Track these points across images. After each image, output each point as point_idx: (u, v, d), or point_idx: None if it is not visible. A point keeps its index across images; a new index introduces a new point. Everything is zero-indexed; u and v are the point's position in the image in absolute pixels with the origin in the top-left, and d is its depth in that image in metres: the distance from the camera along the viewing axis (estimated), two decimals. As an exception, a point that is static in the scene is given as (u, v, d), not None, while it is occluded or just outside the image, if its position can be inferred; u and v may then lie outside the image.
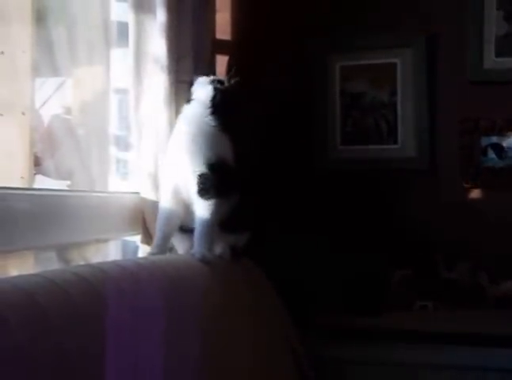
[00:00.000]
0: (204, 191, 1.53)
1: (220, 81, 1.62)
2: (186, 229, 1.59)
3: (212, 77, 1.64)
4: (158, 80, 1.68)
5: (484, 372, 1.78)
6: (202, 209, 1.53)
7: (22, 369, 0.81)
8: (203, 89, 1.61)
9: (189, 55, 1.77)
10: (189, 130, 1.57)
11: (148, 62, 1.70)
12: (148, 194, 1.67)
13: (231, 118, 1.61)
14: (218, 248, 1.60)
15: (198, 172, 1.53)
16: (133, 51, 1.69)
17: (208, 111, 1.58)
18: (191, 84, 1.64)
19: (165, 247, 1.58)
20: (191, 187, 1.54)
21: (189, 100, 1.62)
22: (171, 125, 1.66)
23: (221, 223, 1.58)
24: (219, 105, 1.58)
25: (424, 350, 1.82)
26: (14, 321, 0.83)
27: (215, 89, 1.60)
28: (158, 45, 1.68)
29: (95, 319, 0.98)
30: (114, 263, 1.18)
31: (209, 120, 1.58)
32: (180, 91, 1.71)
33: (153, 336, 1.11)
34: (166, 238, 1.58)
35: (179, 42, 1.72)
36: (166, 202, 1.58)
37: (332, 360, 1.87)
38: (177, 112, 1.67)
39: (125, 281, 1.11)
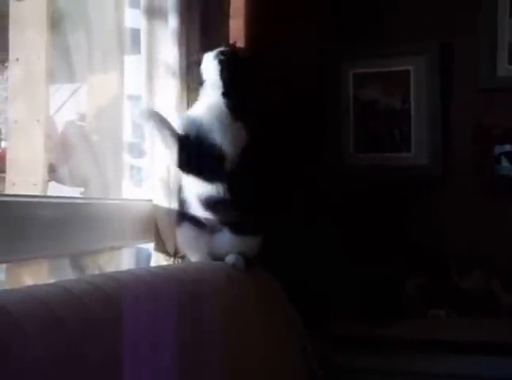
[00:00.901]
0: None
1: (224, 53, 1.60)
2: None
3: (215, 51, 1.61)
4: (169, 86, 1.66)
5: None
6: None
7: (40, 378, 0.79)
8: (210, 66, 1.59)
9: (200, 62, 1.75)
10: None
11: (160, 69, 1.68)
12: (161, 201, 1.65)
13: (243, 95, 1.59)
14: (231, 258, 1.57)
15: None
16: (145, 57, 1.67)
17: (220, 92, 1.56)
18: (199, 64, 1.62)
19: None
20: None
21: (201, 83, 1.60)
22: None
23: (232, 225, 1.57)
24: (228, 80, 1.56)
25: (437, 359, 1.79)
26: (31, 331, 0.81)
27: (221, 61, 1.57)
28: (169, 51, 1.66)
29: (111, 328, 0.97)
30: (128, 272, 1.16)
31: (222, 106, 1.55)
32: (192, 97, 1.69)
33: (169, 343, 1.09)
34: None
35: (190, 48, 1.70)
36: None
37: (345, 369, 1.84)
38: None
39: (140, 289, 1.09)
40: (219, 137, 1.53)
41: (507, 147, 2.00)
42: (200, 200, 1.56)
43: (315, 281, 2.01)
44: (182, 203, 1.60)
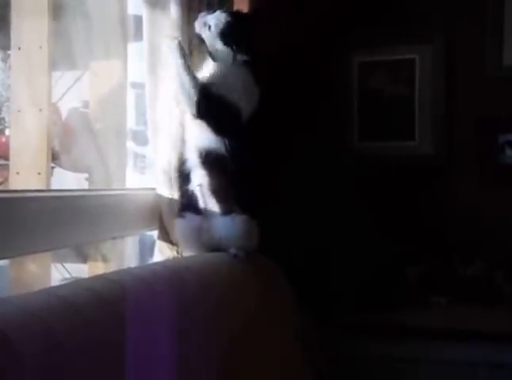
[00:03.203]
0: None
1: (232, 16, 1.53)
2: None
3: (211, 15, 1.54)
4: (171, 74, 1.61)
5: (498, 369, 1.72)
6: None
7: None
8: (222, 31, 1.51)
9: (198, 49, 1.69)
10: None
11: (162, 57, 1.62)
12: (163, 190, 1.61)
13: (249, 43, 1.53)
14: (232, 249, 1.52)
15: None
16: (147, 45, 1.61)
17: (240, 59, 1.51)
18: (202, 40, 1.56)
19: None
20: None
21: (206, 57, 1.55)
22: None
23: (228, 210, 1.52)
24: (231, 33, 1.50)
25: (438, 346, 1.76)
26: (22, 346, 0.75)
27: (234, 27, 1.51)
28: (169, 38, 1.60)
29: (113, 343, 0.90)
30: (129, 273, 1.10)
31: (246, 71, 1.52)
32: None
33: (171, 344, 1.04)
34: None
35: (192, 37, 1.64)
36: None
37: (346, 356, 1.82)
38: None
39: (140, 290, 1.03)
40: (241, 97, 1.50)
41: (511, 136, 1.95)
42: (200, 154, 1.51)
43: (316, 268, 1.98)
44: (183, 193, 1.56)
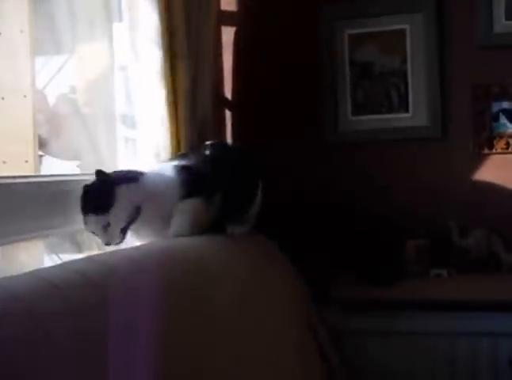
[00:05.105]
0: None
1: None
2: None
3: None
4: (152, 55, 1.55)
5: (499, 338, 1.69)
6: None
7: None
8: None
9: (181, 29, 1.63)
10: None
11: (142, 37, 1.57)
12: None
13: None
14: (229, 228, 1.51)
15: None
16: (128, 25, 1.55)
17: None
18: None
19: None
20: None
21: None
22: (168, 101, 1.55)
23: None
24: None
25: (439, 318, 1.74)
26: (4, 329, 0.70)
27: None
28: (150, 19, 1.54)
29: (100, 325, 0.85)
30: (118, 254, 1.05)
31: None
32: (176, 66, 1.59)
33: (157, 320, 0.99)
34: None
35: (172, 15, 1.58)
36: None
37: (348, 331, 1.79)
38: (174, 87, 1.56)
39: (131, 273, 0.99)
40: None
41: (505, 104, 1.90)
42: None
43: (315, 245, 1.95)
44: None
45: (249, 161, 1.62)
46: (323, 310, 1.78)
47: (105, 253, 1.10)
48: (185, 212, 1.40)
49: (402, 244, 1.89)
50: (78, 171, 1.62)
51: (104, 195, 1.27)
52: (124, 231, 1.28)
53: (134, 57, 1.56)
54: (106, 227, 1.26)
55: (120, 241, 1.28)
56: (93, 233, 1.29)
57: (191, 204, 1.41)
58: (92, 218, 1.26)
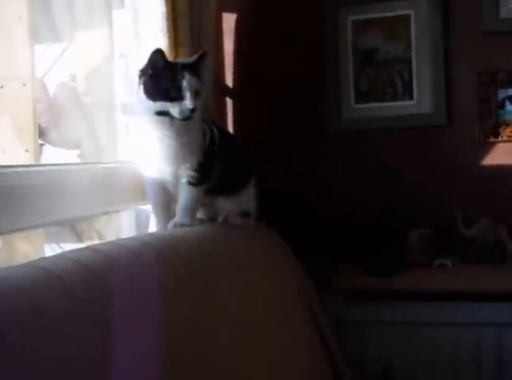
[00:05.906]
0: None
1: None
2: None
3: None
4: (156, 43, 1.52)
5: (504, 328, 1.68)
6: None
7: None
8: None
9: (185, 16, 1.60)
10: None
11: (146, 24, 1.54)
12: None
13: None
14: (220, 216, 1.50)
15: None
16: (131, 12, 1.52)
17: None
18: None
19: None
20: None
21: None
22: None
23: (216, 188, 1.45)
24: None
25: (443, 308, 1.72)
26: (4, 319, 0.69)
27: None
28: (155, 5, 1.52)
29: (99, 314, 0.84)
30: (118, 244, 1.03)
31: None
32: (179, 54, 1.56)
33: (156, 310, 0.97)
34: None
35: (176, 1, 1.55)
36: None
37: (351, 321, 1.78)
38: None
39: (130, 263, 0.97)
40: None
41: (511, 91, 1.87)
42: None
43: (318, 235, 1.94)
44: None
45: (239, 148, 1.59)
46: (324, 299, 1.76)
47: (105, 243, 1.09)
48: (189, 200, 1.39)
49: (404, 234, 1.87)
50: (78, 160, 1.61)
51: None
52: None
53: (136, 44, 1.52)
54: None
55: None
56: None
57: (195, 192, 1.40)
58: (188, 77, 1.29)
